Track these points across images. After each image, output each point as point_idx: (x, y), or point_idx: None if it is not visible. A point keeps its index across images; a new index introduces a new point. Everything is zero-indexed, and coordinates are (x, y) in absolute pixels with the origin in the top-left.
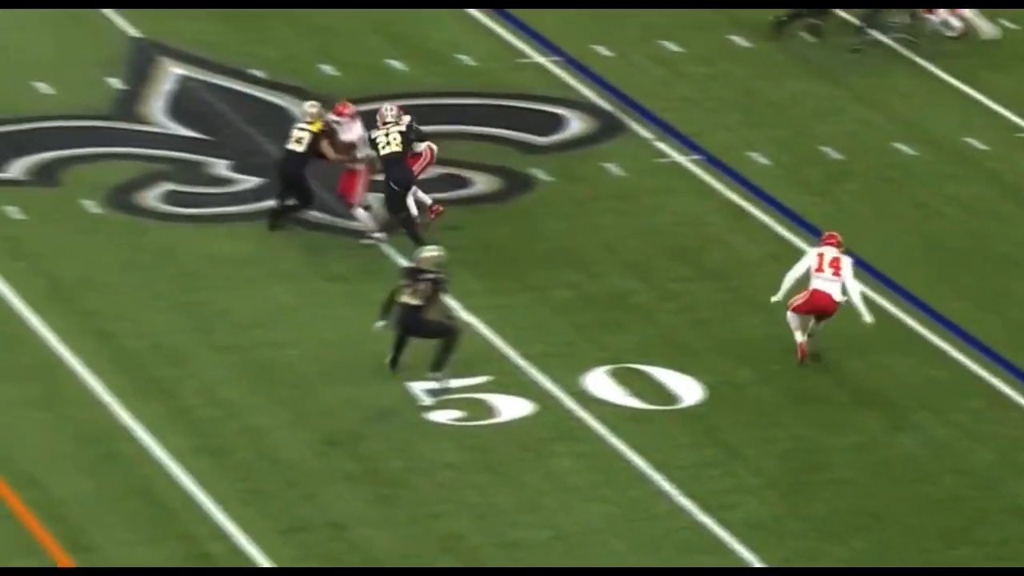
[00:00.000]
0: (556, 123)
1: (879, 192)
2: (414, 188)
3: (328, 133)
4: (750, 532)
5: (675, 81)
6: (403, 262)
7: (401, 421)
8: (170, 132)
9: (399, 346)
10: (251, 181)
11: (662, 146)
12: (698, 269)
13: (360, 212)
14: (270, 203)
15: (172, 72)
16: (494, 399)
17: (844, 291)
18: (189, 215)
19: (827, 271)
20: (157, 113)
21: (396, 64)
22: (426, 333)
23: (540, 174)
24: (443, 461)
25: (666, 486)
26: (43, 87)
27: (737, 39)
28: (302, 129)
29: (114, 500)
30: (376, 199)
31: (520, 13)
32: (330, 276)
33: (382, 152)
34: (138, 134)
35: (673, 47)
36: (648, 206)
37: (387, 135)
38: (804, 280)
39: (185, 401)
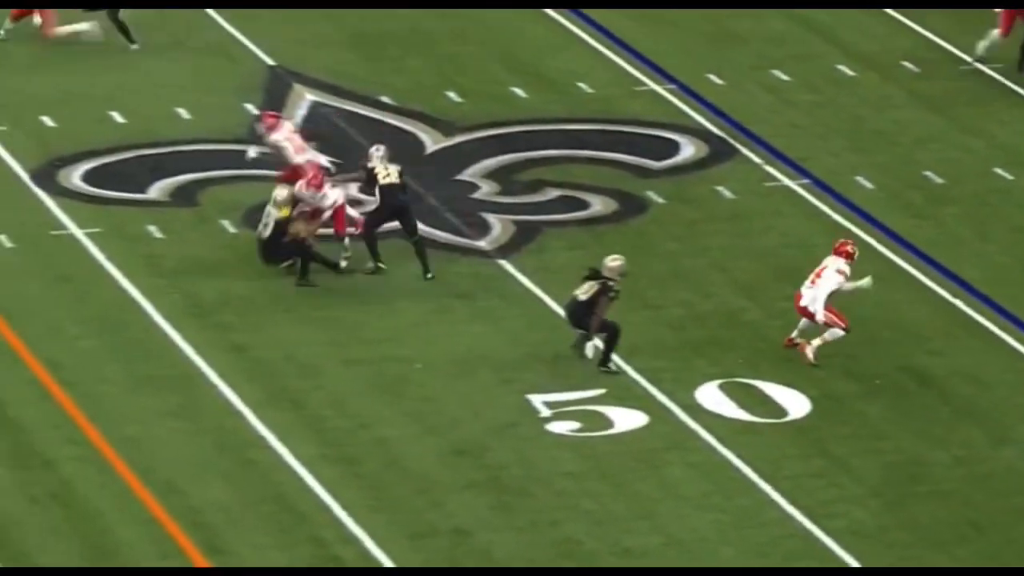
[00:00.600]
0: (670, 148)
1: (979, 215)
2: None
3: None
4: (855, 540)
5: (784, 108)
6: (524, 281)
7: (522, 432)
8: None
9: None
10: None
11: (771, 170)
12: None
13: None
14: (398, 223)
15: (305, 98)
16: (610, 411)
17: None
18: (320, 234)
19: (813, 278)
20: None
21: (518, 92)
22: (585, 327)
23: (654, 196)
24: (561, 470)
25: (774, 495)
26: (183, 112)
27: (843, 68)
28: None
29: (248, 506)
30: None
31: (636, 42)
32: (455, 293)
33: (382, 182)
34: (272, 157)
35: (782, 76)
36: (758, 228)
37: (387, 168)
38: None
39: (316, 412)
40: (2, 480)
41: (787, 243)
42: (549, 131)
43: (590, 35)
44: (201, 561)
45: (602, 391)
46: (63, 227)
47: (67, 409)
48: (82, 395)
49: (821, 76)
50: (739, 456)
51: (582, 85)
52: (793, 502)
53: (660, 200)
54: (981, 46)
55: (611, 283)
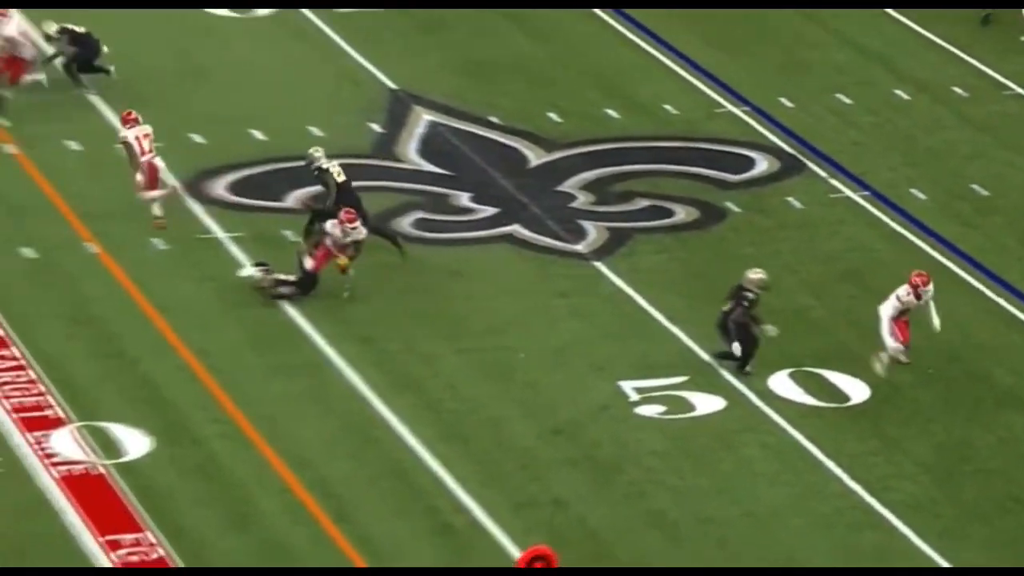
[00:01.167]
0: (746, 163)
1: (1021, 224)
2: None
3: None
4: (909, 512)
5: (847, 128)
6: (617, 281)
7: (614, 415)
8: (421, 169)
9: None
10: (488, 211)
11: (836, 183)
12: (865, 288)
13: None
14: (505, 229)
15: (423, 118)
16: (692, 396)
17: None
18: (436, 239)
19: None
20: (410, 152)
21: (611, 113)
22: (726, 333)
23: (732, 206)
24: (649, 449)
25: (837, 472)
26: (315, 130)
27: (900, 93)
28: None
29: (372, 479)
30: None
31: (715, 69)
32: (555, 292)
33: (339, 180)
34: (394, 170)
35: (845, 99)
36: (823, 234)
37: (335, 167)
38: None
39: (433, 396)
40: (157, 455)
41: (850, 248)
42: (638, 148)
43: (674, 62)
44: (331, 527)
45: (685, 378)
46: (209, 232)
47: (213, 392)
48: (226, 380)
49: (880, 100)
50: (806, 437)
51: (667, 107)
52: (854, 477)
53: (737, 209)
54: None
55: (746, 293)
